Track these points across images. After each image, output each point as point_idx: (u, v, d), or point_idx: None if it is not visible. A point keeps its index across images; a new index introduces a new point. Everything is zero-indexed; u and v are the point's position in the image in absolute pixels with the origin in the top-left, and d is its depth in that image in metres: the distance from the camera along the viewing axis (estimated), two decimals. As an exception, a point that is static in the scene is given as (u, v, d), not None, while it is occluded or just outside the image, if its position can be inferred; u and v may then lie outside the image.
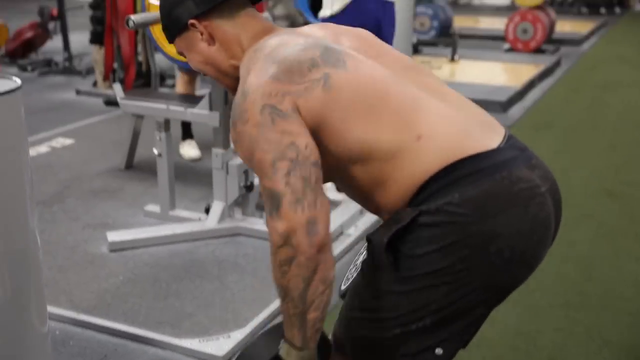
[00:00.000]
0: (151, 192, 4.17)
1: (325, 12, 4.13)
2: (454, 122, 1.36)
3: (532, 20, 8.24)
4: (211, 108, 3.68)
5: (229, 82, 1.55)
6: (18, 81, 2.15)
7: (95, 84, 6.69)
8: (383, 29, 4.08)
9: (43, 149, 5.14)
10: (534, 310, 3.00)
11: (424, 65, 1.62)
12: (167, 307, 3.02)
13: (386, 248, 1.32)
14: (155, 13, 3.35)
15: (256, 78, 1.35)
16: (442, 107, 1.38)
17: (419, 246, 1.31)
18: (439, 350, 1.40)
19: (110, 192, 4.32)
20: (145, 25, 3.57)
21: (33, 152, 4.96)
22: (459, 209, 1.27)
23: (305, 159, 1.26)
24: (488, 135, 1.36)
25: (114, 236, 3.58)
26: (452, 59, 7.76)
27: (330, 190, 4.82)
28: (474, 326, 1.42)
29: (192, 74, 4.76)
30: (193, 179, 4.41)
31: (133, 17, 3.30)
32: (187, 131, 5.03)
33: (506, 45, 8.58)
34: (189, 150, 4.94)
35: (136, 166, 4.68)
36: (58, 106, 6.26)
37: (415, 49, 8.18)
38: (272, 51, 1.40)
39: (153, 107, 3.88)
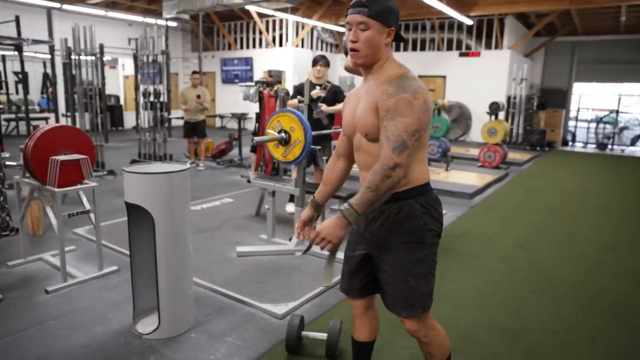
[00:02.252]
0: (264, 228, 4.13)
1: None
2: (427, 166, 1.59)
3: (493, 150, 8.16)
4: (296, 186, 3.70)
5: (368, 59, 1.46)
6: (187, 165, 2.45)
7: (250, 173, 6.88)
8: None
9: (217, 202, 5.27)
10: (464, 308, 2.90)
11: None
12: (259, 287, 3.05)
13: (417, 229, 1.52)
14: (268, 137, 3.45)
15: (423, 85, 1.42)
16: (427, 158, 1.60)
17: (428, 224, 1.53)
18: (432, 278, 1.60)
19: (245, 227, 4.37)
20: (262, 142, 3.64)
21: (212, 204, 5.17)
22: (435, 201, 1.56)
23: (422, 138, 1.41)
24: None
25: (240, 249, 3.65)
26: (447, 169, 7.69)
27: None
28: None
29: (298, 167, 4.72)
30: (287, 223, 4.43)
31: (256, 138, 3.52)
32: (291, 197, 4.97)
33: (479, 164, 8.39)
34: (289, 207, 4.90)
35: (260, 215, 4.70)
36: (230, 182, 6.46)
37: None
38: (414, 75, 1.46)
39: (266, 184, 3.90)
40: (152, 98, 7.47)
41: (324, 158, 4.19)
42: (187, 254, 2.47)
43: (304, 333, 2.36)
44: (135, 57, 10.33)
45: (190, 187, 2.45)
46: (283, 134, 3.43)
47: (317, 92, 3.91)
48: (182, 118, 7.41)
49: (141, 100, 7.85)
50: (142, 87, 7.70)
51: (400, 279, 1.54)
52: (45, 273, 3.20)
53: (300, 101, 3.49)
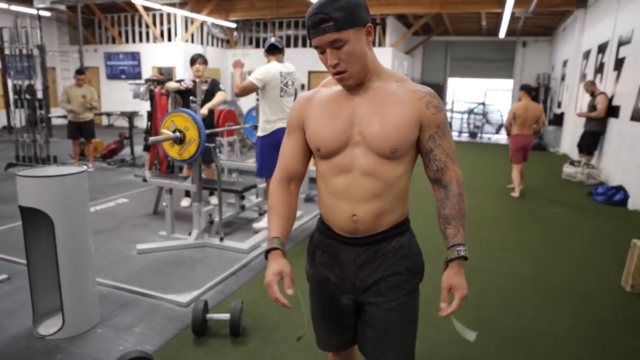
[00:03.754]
0: (163, 225, 4.18)
1: (259, 134, 3.96)
2: None
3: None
4: (192, 182, 3.81)
5: (360, 74, 1.18)
6: (84, 168, 2.52)
7: (144, 172, 6.74)
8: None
9: (112, 203, 5.19)
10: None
11: None
12: (163, 280, 3.17)
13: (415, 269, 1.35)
14: (163, 136, 3.55)
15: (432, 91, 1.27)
16: None
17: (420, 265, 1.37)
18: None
19: (143, 225, 4.41)
20: (157, 142, 3.70)
21: (106, 205, 5.07)
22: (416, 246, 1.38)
23: None
24: None
25: (140, 246, 3.70)
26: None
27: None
28: None
29: (190, 165, 4.59)
30: (185, 218, 4.41)
31: (151, 138, 3.59)
32: (187, 193, 5.07)
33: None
34: (185, 202, 4.97)
35: (158, 213, 4.74)
36: (124, 182, 6.31)
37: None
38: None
39: (163, 182, 4.02)
40: (26, 96, 6.96)
41: (219, 155, 4.39)
42: (89, 253, 2.56)
43: (209, 316, 2.59)
44: (1, 50, 9.39)
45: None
46: (178, 134, 3.58)
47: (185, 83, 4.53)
48: (64, 117, 7.00)
49: (11, 97, 7.26)
50: (12, 83, 7.12)
51: (399, 326, 1.29)
52: None
53: (192, 101, 3.65)
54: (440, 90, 15.44)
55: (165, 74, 6.65)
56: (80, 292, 2.52)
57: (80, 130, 7.03)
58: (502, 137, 14.44)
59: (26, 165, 6.92)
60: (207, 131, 3.71)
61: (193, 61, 4.60)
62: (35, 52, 7.02)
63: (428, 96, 1.22)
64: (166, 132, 3.62)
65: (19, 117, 7.06)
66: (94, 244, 3.65)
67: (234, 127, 5.16)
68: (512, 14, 9.22)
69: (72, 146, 7.25)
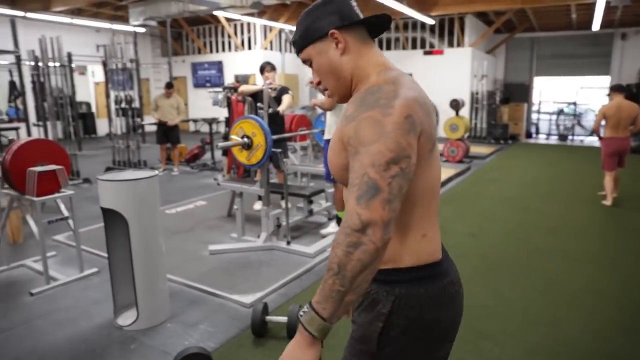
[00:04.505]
0: (235, 227, 4.30)
1: (325, 136, 4.09)
2: (438, 235, 1.08)
3: (456, 146, 8.61)
4: (261, 186, 3.96)
5: (340, 89, 1.07)
6: (156, 172, 2.72)
7: (223, 175, 7.13)
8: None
9: (190, 206, 5.46)
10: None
11: None
12: (230, 280, 3.31)
13: (369, 327, 1.03)
14: (232, 142, 3.72)
15: (412, 93, 0.96)
16: (437, 222, 1.09)
17: (392, 328, 1.00)
18: None
19: (217, 227, 4.60)
20: (226, 147, 3.90)
21: (185, 207, 5.38)
22: (420, 301, 0.99)
23: (409, 173, 0.90)
24: (440, 246, 1.09)
25: (212, 247, 3.89)
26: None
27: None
28: None
29: (262, 170, 4.95)
30: (256, 221, 4.43)
31: (220, 144, 3.81)
32: (260, 197, 5.07)
33: (443, 159, 8.76)
34: (257, 205, 5.09)
35: (232, 215, 4.87)
36: (204, 185, 6.65)
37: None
38: (417, 87, 1.01)
39: (234, 186, 4.18)
40: (124, 105, 7.65)
41: (284, 160, 4.50)
42: (160, 253, 2.76)
43: (268, 318, 2.67)
44: (104, 64, 10.44)
45: (163, 191, 2.73)
46: (245, 139, 3.74)
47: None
48: (155, 124, 7.61)
49: (113, 107, 8.01)
50: (113, 94, 7.86)
51: None
52: (29, 278, 3.43)
53: (260, 108, 3.79)
54: (525, 90, 14.56)
55: (242, 81, 6.93)
56: (152, 288, 2.72)
57: (167, 136, 7.58)
58: (596, 140, 13.24)
59: (121, 169, 7.60)
60: (274, 137, 3.82)
61: (262, 69, 4.79)
62: (130, 65, 7.69)
63: (349, 104, 1.01)
64: (235, 137, 3.79)
65: (119, 125, 7.78)
66: (171, 244, 4.01)
67: (300, 133, 5.27)
68: (608, 3, 8.43)
69: (160, 151, 7.84)
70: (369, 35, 1.08)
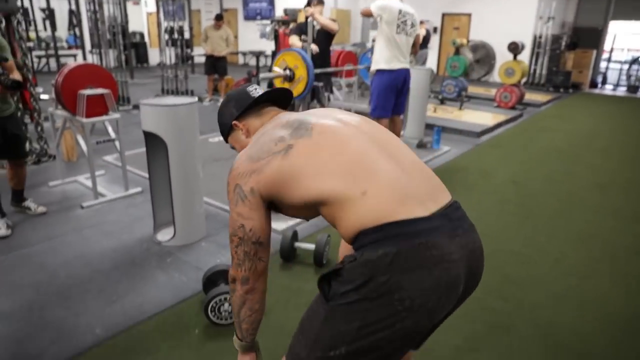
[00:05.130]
0: None
1: (373, 67, 4.04)
2: (397, 188, 0.99)
3: (509, 91, 8.13)
4: None
5: None
6: (195, 99, 2.77)
7: None
8: (405, 85, 4.12)
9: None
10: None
11: (397, 139, 1.16)
12: None
13: (322, 279, 1.03)
14: (274, 74, 3.72)
15: (240, 158, 1.12)
16: (393, 171, 1.01)
17: (342, 285, 0.97)
18: None
19: None
20: (268, 79, 3.82)
21: (215, 139, 5.69)
22: (376, 262, 0.93)
23: (248, 239, 1.09)
24: (426, 203, 0.99)
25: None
26: (460, 108, 7.76)
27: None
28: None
29: (302, 102, 5.00)
30: None
31: (261, 75, 3.75)
32: None
33: (495, 104, 8.39)
34: None
35: None
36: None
37: (442, 101, 8.33)
38: (262, 134, 1.14)
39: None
40: (175, 35, 7.71)
41: (326, 94, 4.45)
42: (197, 176, 2.87)
43: (297, 244, 2.77)
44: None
45: (208, 120, 2.79)
46: (288, 71, 3.70)
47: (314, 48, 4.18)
48: (204, 55, 7.67)
49: (164, 37, 8.10)
50: (165, 24, 7.92)
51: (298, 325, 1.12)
52: (80, 193, 3.70)
53: (303, 40, 3.71)
54: (596, 36, 13.32)
55: (290, 15, 6.77)
56: (189, 209, 2.87)
57: (215, 67, 7.63)
58: (670, 94, 12.16)
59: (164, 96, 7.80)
60: (317, 70, 3.77)
61: (309, 3, 4.61)
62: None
63: None
64: (277, 69, 3.76)
65: (169, 55, 7.89)
66: (212, 170, 4.12)
67: (345, 68, 5.15)
68: None
69: (207, 81, 7.94)
70: (272, 104, 1.31)
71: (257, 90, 1.28)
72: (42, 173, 4.09)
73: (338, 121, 1.11)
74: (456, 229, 0.99)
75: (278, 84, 3.86)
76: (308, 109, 3.93)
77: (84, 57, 10.05)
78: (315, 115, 1.13)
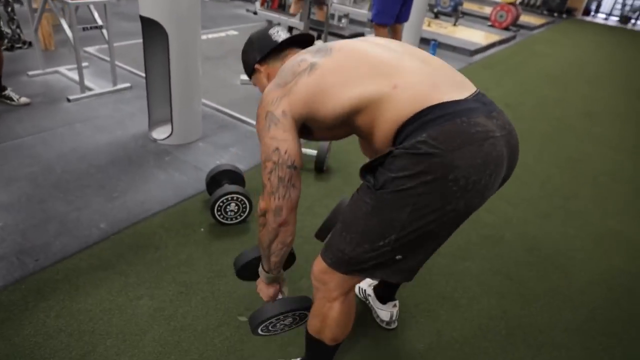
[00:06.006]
0: None
1: None
2: (426, 78, 1.00)
3: (506, 10, 7.88)
4: (301, 19, 3.68)
5: None
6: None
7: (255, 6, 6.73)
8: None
9: (222, 34, 5.33)
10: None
11: (415, 48, 1.11)
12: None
13: (365, 172, 1.03)
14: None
15: (267, 88, 1.10)
16: (418, 66, 1.02)
17: (391, 171, 0.96)
18: (399, 257, 1.06)
19: None
20: None
21: (217, 35, 5.24)
22: (425, 145, 0.92)
23: (283, 162, 1.03)
24: (456, 90, 0.99)
25: (243, 77, 3.86)
26: (454, 24, 7.55)
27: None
28: (432, 246, 1.10)
29: (298, 2, 4.50)
30: None
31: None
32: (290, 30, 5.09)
33: (489, 23, 8.17)
34: None
35: None
36: (235, 15, 6.40)
37: (436, 16, 8.04)
38: (284, 66, 1.11)
39: (272, 15, 3.97)
40: None
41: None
42: (197, 74, 2.72)
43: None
44: None
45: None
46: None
47: None
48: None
49: None
50: None
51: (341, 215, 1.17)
52: (64, 84, 3.48)
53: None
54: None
55: None
56: (187, 106, 2.76)
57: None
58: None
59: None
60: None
61: None
62: None
63: None
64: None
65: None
66: (203, 69, 3.86)
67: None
68: None
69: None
70: (296, 47, 1.25)
71: (279, 33, 1.25)
72: (18, 61, 3.79)
73: (354, 42, 1.10)
74: (491, 111, 1.00)
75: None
76: (309, 9, 3.68)
77: None
78: (332, 43, 1.10)
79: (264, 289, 1.31)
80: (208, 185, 2.25)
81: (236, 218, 2.14)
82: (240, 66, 4.08)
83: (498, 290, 2.01)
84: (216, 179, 2.23)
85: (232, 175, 2.24)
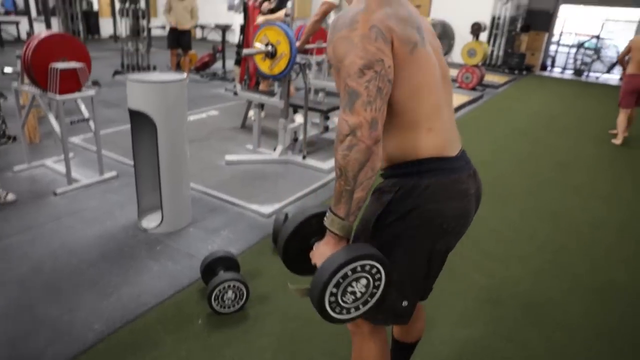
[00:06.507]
0: (249, 139, 4.38)
1: None
2: (447, 131, 1.13)
3: (471, 72, 8.37)
4: (281, 98, 3.86)
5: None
6: (184, 75, 2.64)
7: (234, 86, 6.96)
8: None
9: (203, 115, 5.43)
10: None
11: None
12: (247, 191, 3.35)
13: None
14: (256, 49, 3.58)
15: (376, 5, 1.03)
16: (448, 115, 1.15)
17: (389, 215, 1.10)
18: (405, 303, 1.18)
19: (231, 138, 4.58)
20: (250, 55, 3.65)
21: (197, 116, 5.33)
22: (423, 192, 1.07)
23: (385, 74, 0.98)
24: (455, 145, 1.15)
25: (229, 157, 3.91)
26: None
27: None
28: (428, 280, 1.23)
29: (270, 81, 4.95)
30: (270, 134, 4.49)
31: (244, 50, 3.69)
32: (262, 106, 5.14)
33: (456, 85, 8.57)
34: (250, 112, 4.94)
35: (246, 127, 4.92)
36: (214, 95, 6.55)
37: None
38: (399, 7, 1.07)
39: (254, 96, 4.11)
40: (128, 4, 7.25)
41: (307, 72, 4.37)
42: (185, 158, 2.77)
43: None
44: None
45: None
46: (269, 47, 3.60)
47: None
48: (163, 27, 7.28)
49: (117, 5, 7.60)
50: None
51: None
52: (50, 177, 3.48)
53: (286, 15, 3.62)
54: (548, 19, 13.78)
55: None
56: (176, 193, 2.77)
57: (179, 40, 7.29)
58: (612, 78, 12.86)
59: (132, 73, 7.40)
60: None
61: None
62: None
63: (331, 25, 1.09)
64: (259, 45, 3.64)
65: (124, 26, 7.43)
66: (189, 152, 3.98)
67: (315, 46, 5.05)
68: None
69: (170, 56, 7.58)
70: None
71: None
72: (3, 157, 3.81)
73: (431, 47, 1.12)
74: (470, 168, 1.18)
75: (259, 61, 3.74)
76: (289, 88, 3.86)
77: (30, 25, 9.30)
78: (419, 30, 1.09)
79: (330, 248, 1.05)
80: (203, 274, 2.23)
81: (233, 306, 2.11)
82: (224, 146, 4.36)
83: (504, 355, 1.99)
84: (211, 267, 2.22)
85: (226, 262, 2.23)
